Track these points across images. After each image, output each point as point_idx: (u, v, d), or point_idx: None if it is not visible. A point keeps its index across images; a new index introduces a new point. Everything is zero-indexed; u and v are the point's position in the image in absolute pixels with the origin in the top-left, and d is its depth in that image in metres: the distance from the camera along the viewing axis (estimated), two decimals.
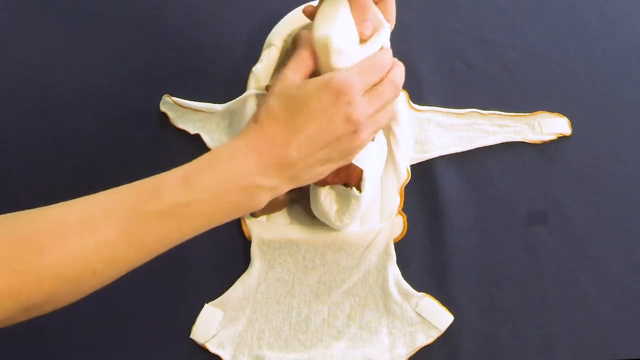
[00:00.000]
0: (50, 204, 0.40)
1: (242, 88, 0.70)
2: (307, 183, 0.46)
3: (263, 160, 0.40)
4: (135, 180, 0.41)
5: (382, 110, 0.45)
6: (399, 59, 0.73)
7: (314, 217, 0.63)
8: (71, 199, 0.41)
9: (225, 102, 0.70)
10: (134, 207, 0.39)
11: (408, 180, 0.65)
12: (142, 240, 0.39)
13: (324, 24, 0.43)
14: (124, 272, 0.40)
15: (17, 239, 0.36)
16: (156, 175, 0.41)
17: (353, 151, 0.46)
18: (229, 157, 0.40)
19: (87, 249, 0.37)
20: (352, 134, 0.43)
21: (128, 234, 0.38)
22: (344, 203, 0.59)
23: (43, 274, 0.36)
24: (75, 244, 0.37)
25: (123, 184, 0.42)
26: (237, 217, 0.43)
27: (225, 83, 0.74)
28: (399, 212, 0.64)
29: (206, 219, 0.40)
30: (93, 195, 0.40)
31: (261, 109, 0.43)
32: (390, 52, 0.48)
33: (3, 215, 0.38)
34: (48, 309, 0.39)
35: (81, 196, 0.41)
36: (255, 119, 0.42)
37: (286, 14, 0.73)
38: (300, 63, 0.44)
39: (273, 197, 0.43)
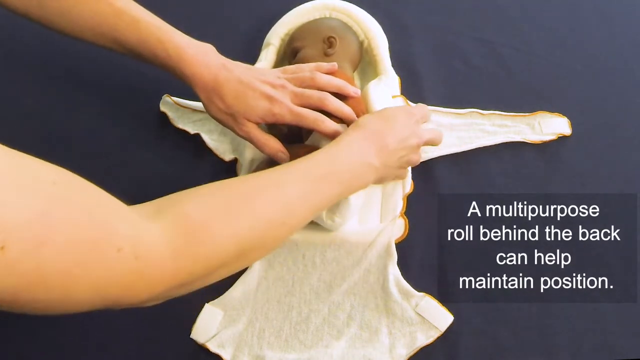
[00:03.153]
0: None
1: None
2: (388, 178, 0.62)
3: (371, 145, 0.56)
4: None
5: (431, 141, 0.64)
6: (399, 59, 0.74)
7: None
8: None
9: None
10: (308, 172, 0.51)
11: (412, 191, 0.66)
12: (310, 199, 0.50)
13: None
14: (297, 229, 0.51)
15: (229, 194, 0.46)
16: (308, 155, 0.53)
17: (410, 162, 0.62)
18: (350, 143, 0.55)
19: (282, 203, 0.48)
20: (416, 147, 0.61)
21: (304, 192, 0.49)
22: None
23: (255, 218, 0.45)
24: (273, 196, 0.47)
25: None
26: (357, 191, 0.57)
27: None
28: (401, 215, 0.64)
29: (342, 187, 0.53)
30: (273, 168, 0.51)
31: (361, 120, 0.58)
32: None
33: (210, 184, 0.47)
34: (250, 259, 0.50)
35: None
36: (357, 124, 0.57)
37: (285, 13, 0.74)
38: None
39: (376, 178, 0.57)
